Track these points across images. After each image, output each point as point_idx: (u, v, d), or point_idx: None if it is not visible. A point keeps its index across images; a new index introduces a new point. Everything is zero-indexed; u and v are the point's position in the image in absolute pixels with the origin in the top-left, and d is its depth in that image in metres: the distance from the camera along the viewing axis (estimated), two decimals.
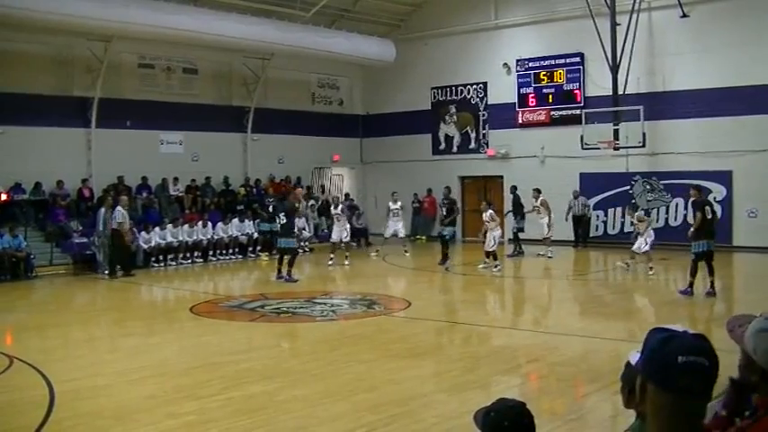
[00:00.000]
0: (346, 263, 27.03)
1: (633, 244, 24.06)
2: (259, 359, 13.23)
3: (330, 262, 27.09)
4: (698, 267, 19.17)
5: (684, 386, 2.65)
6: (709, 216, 19.35)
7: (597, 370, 11.92)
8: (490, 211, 25.65)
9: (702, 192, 22.46)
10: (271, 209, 31.45)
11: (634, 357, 2.93)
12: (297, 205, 24.70)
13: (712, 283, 19.14)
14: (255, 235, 31.33)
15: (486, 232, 25.38)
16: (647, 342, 2.81)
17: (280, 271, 23.66)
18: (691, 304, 18.99)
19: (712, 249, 19.32)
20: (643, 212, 26.32)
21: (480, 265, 25.36)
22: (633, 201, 30.09)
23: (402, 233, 27.70)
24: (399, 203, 30.17)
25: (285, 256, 23.70)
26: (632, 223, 25.32)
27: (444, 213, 28.30)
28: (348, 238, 28.31)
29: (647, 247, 23.52)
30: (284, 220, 23.70)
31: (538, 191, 28.84)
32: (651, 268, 23.49)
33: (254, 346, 14.60)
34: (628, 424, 3.48)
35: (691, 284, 19.19)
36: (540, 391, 11.56)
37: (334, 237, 28.06)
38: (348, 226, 28.59)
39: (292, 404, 10.40)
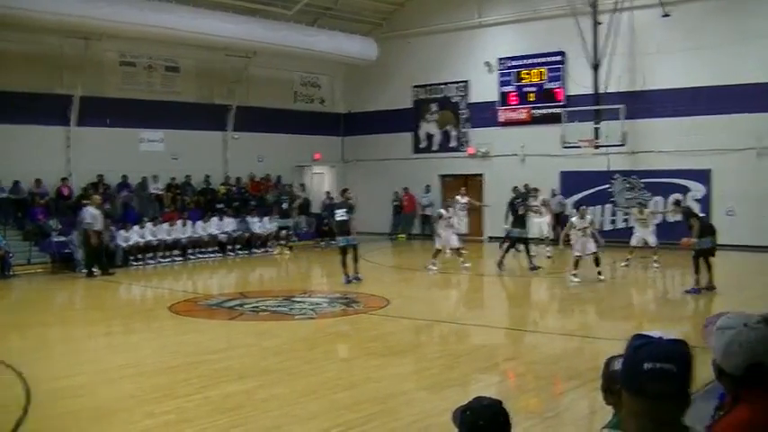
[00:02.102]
0: (466, 265, 25.21)
1: (632, 240, 24.46)
2: (237, 358, 13.19)
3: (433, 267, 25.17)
4: (699, 264, 19.49)
5: (652, 392, 2.75)
6: (703, 214, 19.82)
7: (575, 368, 11.96)
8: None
9: (679, 202, 22.98)
10: (284, 206, 31.69)
11: (618, 364, 3.02)
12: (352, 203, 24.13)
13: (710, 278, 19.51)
14: (274, 230, 31.99)
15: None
16: (626, 348, 2.89)
17: (347, 272, 22.63)
18: (672, 302, 19.11)
19: (712, 246, 19.75)
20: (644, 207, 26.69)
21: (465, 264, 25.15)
22: (639, 201, 30.13)
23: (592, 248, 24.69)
24: (450, 210, 26.51)
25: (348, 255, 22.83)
26: (637, 220, 25.41)
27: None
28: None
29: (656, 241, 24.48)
30: (345, 217, 22.91)
31: (536, 190, 28.92)
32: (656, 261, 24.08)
33: (232, 345, 14.55)
34: (605, 421, 3.49)
35: (697, 282, 19.48)
36: (517, 389, 11.59)
37: (453, 242, 25.51)
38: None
39: (270, 403, 10.37)
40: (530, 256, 24.46)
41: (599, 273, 22.01)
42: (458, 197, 29.13)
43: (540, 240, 28.11)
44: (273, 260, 29.73)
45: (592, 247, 22.18)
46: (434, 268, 24.68)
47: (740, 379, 3.53)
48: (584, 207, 23.84)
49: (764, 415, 3.46)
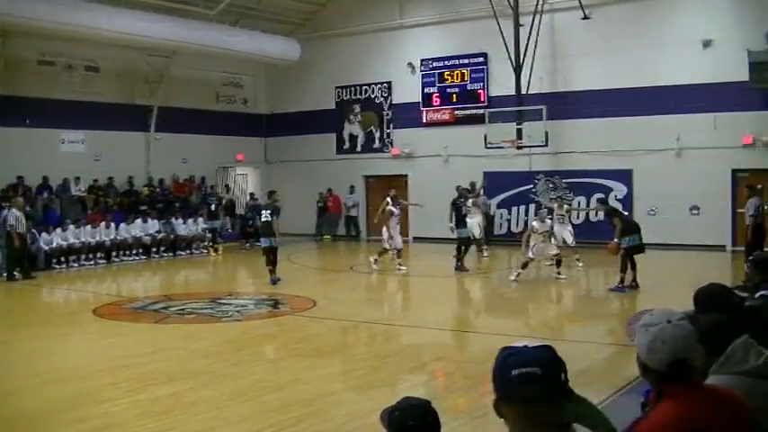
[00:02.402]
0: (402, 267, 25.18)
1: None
2: (164, 361, 13.10)
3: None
4: (627, 263, 19.79)
5: (522, 396, 2.91)
6: (626, 213, 20.19)
7: None
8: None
9: (606, 202, 23.26)
10: (213, 207, 31.53)
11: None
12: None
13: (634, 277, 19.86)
14: (202, 231, 31.73)
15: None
16: (495, 361, 3.06)
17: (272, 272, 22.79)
18: (596, 300, 19.37)
19: (640, 243, 20.15)
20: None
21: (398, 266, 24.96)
22: (560, 195, 30.47)
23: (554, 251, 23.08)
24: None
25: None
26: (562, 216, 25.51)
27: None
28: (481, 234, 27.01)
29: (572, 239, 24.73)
30: (269, 219, 22.96)
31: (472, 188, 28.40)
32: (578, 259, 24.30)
33: (159, 348, 14.43)
34: None
35: (622, 280, 19.77)
36: (446, 389, 11.68)
37: (475, 232, 26.62)
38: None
39: (199, 406, 10.33)
40: (462, 257, 24.55)
41: (558, 273, 22.06)
42: (388, 198, 29.12)
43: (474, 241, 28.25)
44: (199, 262, 29.52)
45: (553, 249, 22.36)
46: (376, 267, 24.82)
47: (664, 375, 3.64)
48: (543, 210, 23.93)
49: (688, 409, 3.56)
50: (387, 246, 24.94)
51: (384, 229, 24.97)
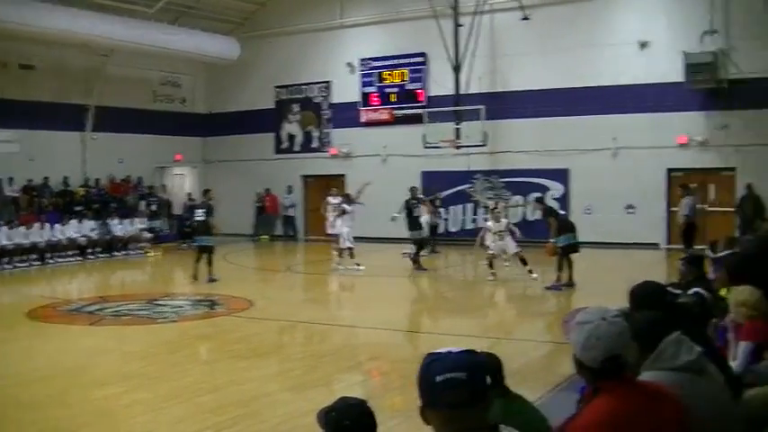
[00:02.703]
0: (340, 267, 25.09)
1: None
2: (99, 364, 12.91)
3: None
4: (563, 261, 20.04)
5: (447, 402, 2.91)
6: (562, 212, 20.40)
7: None
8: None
9: (543, 201, 23.42)
10: (154, 207, 31.34)
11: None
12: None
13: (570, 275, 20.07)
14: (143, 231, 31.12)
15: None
16: (419, 369, 3.03)
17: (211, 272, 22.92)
18: (533, 298, 19.50)
19: (575, 242, 20.37)
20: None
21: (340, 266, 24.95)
22: (496, 194, 30.57)
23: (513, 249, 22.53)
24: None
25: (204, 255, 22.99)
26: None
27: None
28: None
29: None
30: (203, 218, 23.10)
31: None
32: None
33: (93, 351, 14.21)
34: None
35: (558, 279, 19.96)
36: (382, 388, 11.65)
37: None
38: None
39: (134, 408, 10.20)
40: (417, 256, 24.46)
41: (530, 271, 21.62)
42: (329, 198, 28.98)
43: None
44: (135, 263, 29.22)
45: (512, 248, 22.30)
46: (341, 267, 24.75)
47: (599, 371, 3.66)
48: (498, 210, 23.92)
49: (622, 405, 3.59)
50: (343, 246, 24.91)
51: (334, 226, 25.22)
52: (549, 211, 21.57)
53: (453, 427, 2.93)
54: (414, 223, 24.79)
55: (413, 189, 26.11)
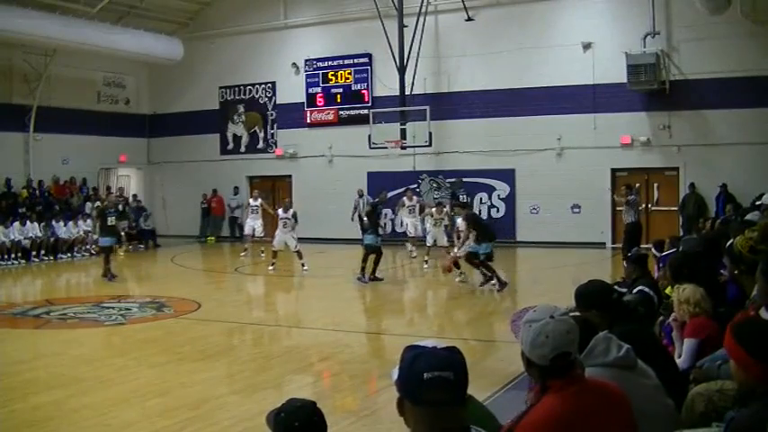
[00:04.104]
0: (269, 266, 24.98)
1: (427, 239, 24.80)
2: (45, 368, 12.74)
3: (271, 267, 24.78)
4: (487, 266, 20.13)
5: (432, 400, 2.90)
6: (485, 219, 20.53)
7: (389, 366, 11.99)
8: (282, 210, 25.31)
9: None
10: (120, 207, 31.33)
11: (395, 374, 3.08)
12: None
13: (493, 276, 20.09)
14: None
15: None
16: (400, 360, 3.04)
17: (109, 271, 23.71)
18: (477, 299, 19.60)
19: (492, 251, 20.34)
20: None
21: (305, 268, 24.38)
22: (438, 201, 30.54)
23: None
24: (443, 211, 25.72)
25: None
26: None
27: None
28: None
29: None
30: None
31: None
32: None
33: (39, 355, 14.02)
34: None
35: (498, 279, 19.97)
36: (332, 389, 11.69)
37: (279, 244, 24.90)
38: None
39: (81, 413, 10.08)
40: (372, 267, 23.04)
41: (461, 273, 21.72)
42: (250, 200, 28.75)
43: None
44: (81, 265, 28.86)
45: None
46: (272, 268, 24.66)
47: (547, 369, 3.72)
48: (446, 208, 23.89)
49: (571, 402, 3.64)
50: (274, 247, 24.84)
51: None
52: (472, 218, 21.06)
53: (432, 425, 2.93)
54: (374, 229, 22.70)
55: (383, 193, 26.04)
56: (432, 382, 2.88)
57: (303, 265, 24.38)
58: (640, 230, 23.35)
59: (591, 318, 5.30)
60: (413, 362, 2.95)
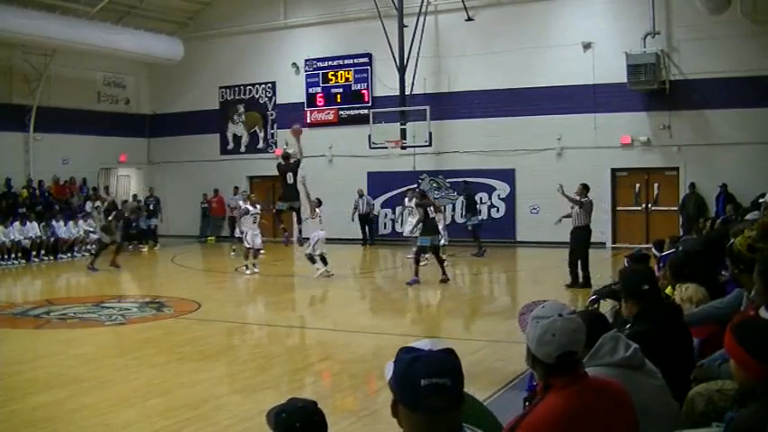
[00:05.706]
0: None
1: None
2: (45, 368, 12.73)
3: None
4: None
5: (429, 406, 2.84)
6: (432, 215, 21.50)
7: None
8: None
9: (424, 195, 23.51)
10: (152, 206, 31.62)
11: (388, 371, 3.04)
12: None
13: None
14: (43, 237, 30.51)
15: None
16: (395, 363, 2.98)
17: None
18: (475, 297, 19.60)
19: (437, 244, 21.33)
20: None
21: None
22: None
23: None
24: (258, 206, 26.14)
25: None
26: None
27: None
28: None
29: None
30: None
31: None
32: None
33: (39, 355, 14.05)
34: None
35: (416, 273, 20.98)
36: (332, 389, 11.67)
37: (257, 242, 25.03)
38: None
39: (82, 413, 10.07)
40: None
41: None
42: (248, 206, 28.70)
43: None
44: (81, 265, 28.83)
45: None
46: (248, 271, 24.56)
47: (552, 367, 3.72)
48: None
49: (573, 400, 3.64)
50: (246, 245, 24.77)
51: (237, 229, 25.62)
52: (424, 208, 21.87)
53: (425, 428, 2.89)
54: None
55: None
56: (429, 390, 2.83)
57: (255, 266, 24.58)
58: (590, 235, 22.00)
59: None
60: (409, 367, 2.90)
